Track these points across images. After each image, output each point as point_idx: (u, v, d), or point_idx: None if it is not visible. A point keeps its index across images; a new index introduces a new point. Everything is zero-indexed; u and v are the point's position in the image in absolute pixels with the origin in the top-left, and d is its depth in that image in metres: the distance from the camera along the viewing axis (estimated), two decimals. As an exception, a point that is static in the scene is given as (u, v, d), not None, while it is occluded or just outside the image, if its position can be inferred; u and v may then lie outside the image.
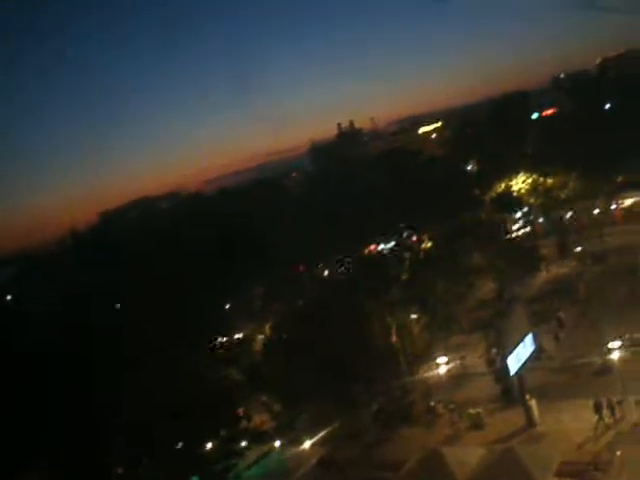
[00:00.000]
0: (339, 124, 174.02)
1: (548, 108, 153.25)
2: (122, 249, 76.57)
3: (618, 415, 35.61)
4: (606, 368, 41.72)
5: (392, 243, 70.62)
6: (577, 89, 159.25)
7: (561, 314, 52.97)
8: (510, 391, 43.08)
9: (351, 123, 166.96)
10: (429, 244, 65.44)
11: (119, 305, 52.26)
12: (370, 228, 69.37)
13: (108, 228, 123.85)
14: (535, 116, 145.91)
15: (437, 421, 42.97)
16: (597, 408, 35.80)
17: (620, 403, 35.87)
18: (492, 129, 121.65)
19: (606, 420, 35.58)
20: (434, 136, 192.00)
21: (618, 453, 30.21)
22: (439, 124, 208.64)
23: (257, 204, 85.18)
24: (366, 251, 74.65)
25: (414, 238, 67.40)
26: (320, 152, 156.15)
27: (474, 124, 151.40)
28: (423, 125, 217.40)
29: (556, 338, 49.78)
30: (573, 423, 36.98)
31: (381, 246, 74.35)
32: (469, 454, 34.15)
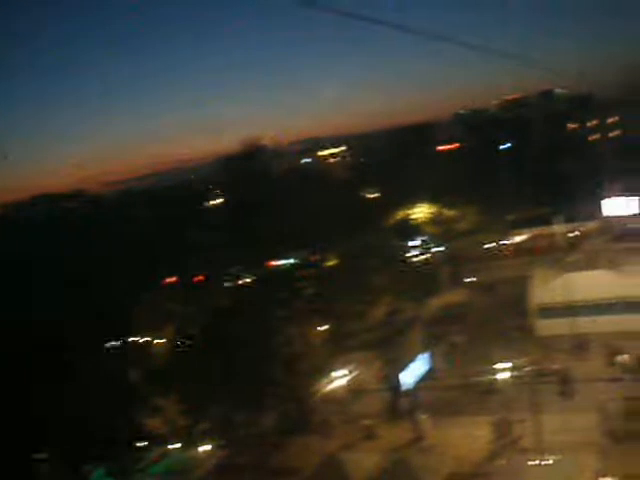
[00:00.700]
0: (244, 138, 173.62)
1: (449, 142, 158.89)
2: (18, 243, 75.47)
3: (508, 431, 38.16)
4: (493, 388, 44.68)
5: (296, 259, 72.29)
6: (477, 127, 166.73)
7: (455, 338, 55.80)
8: (397, 406, 45.34)
9: (256, 138, 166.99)
10: (333, 262, 67.28)
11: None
12: (275, 243, 70.89)
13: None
14: (437, 149, 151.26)
15: (332, 431, 44.48)
16: (496, 425, 38.25)
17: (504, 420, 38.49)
18: (395, 158, 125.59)
19: (501, 436, 38.07)
20: (337, 159, 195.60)
21: (503, 462, 32.65)
22: (342, 148, 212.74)
23: (162, 210, 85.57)
24: (267, 265, 76.20)
25: (318, 256, 69.08)
26: (226, 164, 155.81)
27: (378, 152, 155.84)
28: (325, 148, 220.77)
29: (447, 359, 52.48)
30: (461, 437, 39.27)
31: (282, 261, 75.88)
32: (364, 460, 36.14)
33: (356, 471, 35.88)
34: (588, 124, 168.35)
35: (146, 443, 42.52)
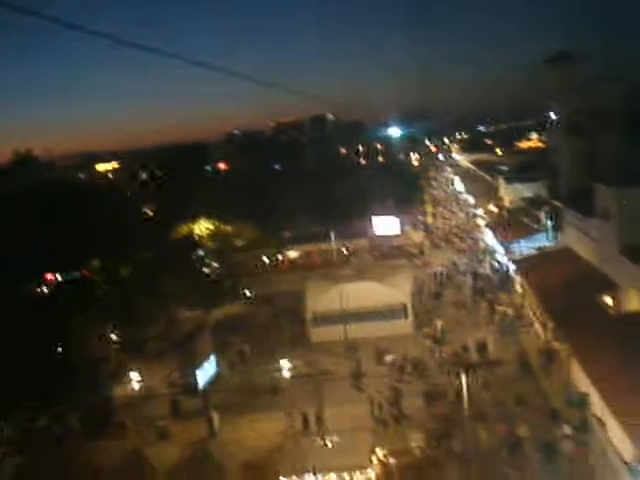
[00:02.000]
0: (15, 150, 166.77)
1: (222, 161, 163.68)
2: None
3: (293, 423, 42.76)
4: (274, 388, 49.43)
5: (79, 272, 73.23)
6: (250, 147, 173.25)
7: (240, 345, 59.91)
8: (179, 407, 48.65)
9: (28, 150, 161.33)
10: (123, 272, 69.02)
11: None
12: (52, 256, 71.09)
13: None
14: (214, 166, 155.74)
15: (127, 434, 46.67)
16: (282, 419, 42.70)
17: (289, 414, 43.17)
18: (171, 175, 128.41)
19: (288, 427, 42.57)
20: (111, 175, 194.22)
21: (290, 447, 37.21)
22: (116, 164, 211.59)
23: None
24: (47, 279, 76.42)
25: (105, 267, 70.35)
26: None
27: (153, 168, 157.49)
28: (98, 163, 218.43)
29: (234, 364, 56.58)
30: (249, 432, 43.31)
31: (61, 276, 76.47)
32: (166, 452, 39.33)
33: (163, 460, 38.97)
34: (358, 148, 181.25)
35: None
